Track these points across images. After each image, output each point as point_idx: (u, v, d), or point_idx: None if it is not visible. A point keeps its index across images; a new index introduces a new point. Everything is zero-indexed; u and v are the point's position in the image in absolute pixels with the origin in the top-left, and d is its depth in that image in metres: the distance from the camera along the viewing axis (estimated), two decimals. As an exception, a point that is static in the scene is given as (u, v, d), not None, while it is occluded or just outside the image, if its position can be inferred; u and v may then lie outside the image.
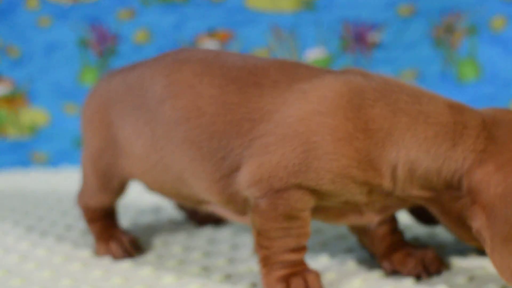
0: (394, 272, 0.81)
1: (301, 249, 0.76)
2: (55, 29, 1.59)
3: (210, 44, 1.55)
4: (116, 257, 0.93)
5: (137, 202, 1.21)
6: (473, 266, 0.82)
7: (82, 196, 0.99)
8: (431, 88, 1.49)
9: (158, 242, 1.01)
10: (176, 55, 0.88)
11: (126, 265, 0.90)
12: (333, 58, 1.55)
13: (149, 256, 0.94)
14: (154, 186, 0.91)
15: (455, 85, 1.56)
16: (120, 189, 0.96)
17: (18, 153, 1.64)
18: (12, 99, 1.62)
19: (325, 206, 0.77)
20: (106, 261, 0.93)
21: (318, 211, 0.77)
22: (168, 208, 1.18)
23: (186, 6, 1.54)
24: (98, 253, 0.95)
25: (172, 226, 1.09)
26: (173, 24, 1.56)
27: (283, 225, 0.74)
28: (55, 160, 1.63)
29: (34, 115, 1.63)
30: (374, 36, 1.54)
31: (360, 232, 0.85)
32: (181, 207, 1.11)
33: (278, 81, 0.77)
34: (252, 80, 0.77)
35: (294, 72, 0.78)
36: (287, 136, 0.72)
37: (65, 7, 1.57)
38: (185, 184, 0.84)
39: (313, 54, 1.55)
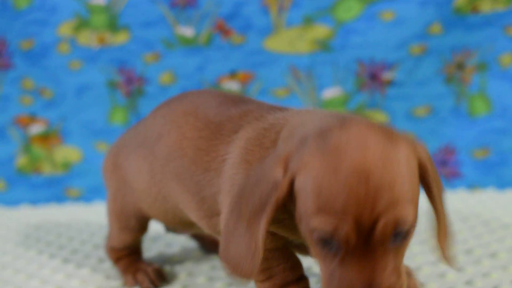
0: None
1: (300, 279, 0.77)
2: (85, 72, 1.67)
3: (231, 85, 1.63)
4: (143, 287, 1.00)
5: (163, 235, 1.28)
6: None
7: (108, 240, 1.08)
8: (445, 122, 1.57)
9: (183, 272, 1.07)
10: (180, 96, 0.97)
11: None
12: (349, 97, 1.61)
13: (175, 286, 1.01)
14: (160, 218, 0.99)
15: (467, 120, 1.62)
16: (140, 227, 1.04)
17: (52, 189, 1.72)
18: (47, 138, 1.71)
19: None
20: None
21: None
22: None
23: (208, 49, 1.61)
24: (126, 284, 1.02)
25: (197, 257, 1.15)
26: (196, 66, 1.63)
27: (264, 267, 0.75)
28: (88, 195, 1.71)
29: (67, 152, 1.72)
30: (388, 75, 1.60)
31: None
32: (194, 236, 1.18)
33: (229, 134, 0.82)
34: (218, 128, 0.82)
35: (243, 122, 0.82)
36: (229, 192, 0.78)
37: (94, 51, 1.65)
38: (184, 213, 0.91)
39: (330, 93, 1.62)
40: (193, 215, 0.88)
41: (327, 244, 0.60)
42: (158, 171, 0.92)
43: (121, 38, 1.64)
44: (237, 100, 0.88)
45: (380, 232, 0.59)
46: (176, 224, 0.99)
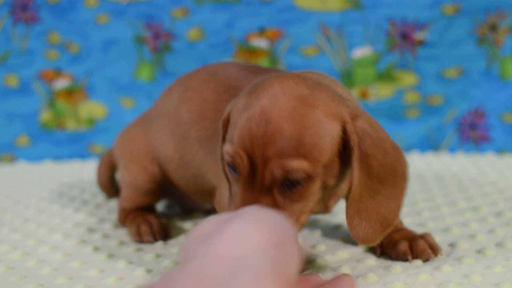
0: (383, 254, 0.85)
1: None
2: (112, 27, 1.65)
3: (260, 42, 1.61)
4: (143, 239, 0.98)
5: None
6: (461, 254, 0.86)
7: (120, 203, 1.09)
8: (476, 85, 1.55)
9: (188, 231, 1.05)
10: (196, 69, 1.03)
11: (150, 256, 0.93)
12: (379, 56, 1.59)
13: (175, 244, 0.98)
14: (183, 186, 1.01)
15: (498, 82, 1.60)
16: (155, 191, 1.07)
17: (76, 145, 1.71)
18: (71, 93, 1.70)
19: None
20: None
21: None
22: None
23: (237, 5, 1.59)
24: (130, 234, 1.00)
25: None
26: (225, 22, 1.61)
27: None
28: (112, 152, 1.69)
29: (92, 108, 1.70)
30: (419, 34, 1.58)
31: None
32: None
33: None
34: (238, 91, 0.86)
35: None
36: None
37: (122, 5, 1.63)
38: (205, 179, 0.94)
39: (360, 53, 1.60)
40: (214, 177, 0.90)
41: (232, 169, 0.69)
42: (180, 137, 0.96)
43: (149, -8, 1.63)
44: (255, 68, 0.93)
45: (268, 175, 0.66)
46: (196, 194, 1.01)
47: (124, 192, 1.07)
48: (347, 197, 0.71)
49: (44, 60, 1.68)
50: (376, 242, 0.72)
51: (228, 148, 0.68)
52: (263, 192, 0.67)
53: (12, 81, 1.69)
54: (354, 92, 1.59)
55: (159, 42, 1.64)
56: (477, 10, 1.56)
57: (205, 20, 1.61)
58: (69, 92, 1.69)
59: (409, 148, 1.63)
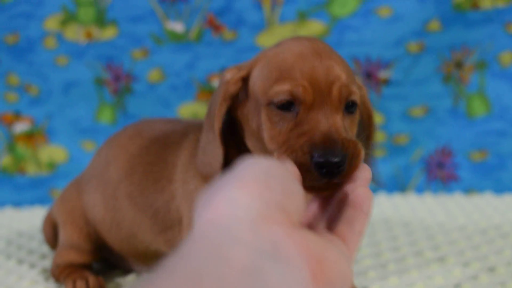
0: None
1: None
2: (72, 68, 1.61)
3: (223, 83, 1.57)
4: None
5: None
6: None
7: (54, 259, 1.06)
8: (442, 123, 1.52)
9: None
10: (122, 128, 1.05)
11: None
12: (343, 95, 1.56)
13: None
14: (118, 248, 1.01)
15: (465, 120, 1.57)
16: (91, 250, 1.05)
17: (37, 190, 1.67)
18: (31, 136, 1.66)
19: None
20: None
21: None
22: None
23: (198, 46, 1.56)
24: None
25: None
26: (186, 63, 1.58)
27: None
28: (73, 196, 1.65)
29: (53, 152, 1.67)
30: (384, 73, 1.55)
31: None
32: None
33: (177, 142, 0.91)
34: (165, 141, 0.90)
35: (187, 131, 0.92)
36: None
37: (81, 46, 1.60)
38: (138, 239, 0.95)
39: (324, 92, 1.56)
40: (149, 235, 0.91)
41: (286, 107, 0.69)
42: (110, 197, 0.97)
43: (109, 33, 1.59)
44: (179, 121, 0.97)
45: (336, 93, 0.67)
46: (131, 256, 1.01)
47: (61, 248, 1.06)
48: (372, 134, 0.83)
49: (3, 102, 1.65)
50: None
51: (283, 86, 0.68)
52: (335, 111, 0.67)
53: (-29, 124, 1.65)
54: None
55: (119, 84, 1.61)
56: (442, 48, 1.53)
57: (166, 61, 1.58)
58: (29, 136, 1.66)
59: (375, 189, 1.59)
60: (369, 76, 1.55)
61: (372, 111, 0.80)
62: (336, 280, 0.47)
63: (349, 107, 0.69)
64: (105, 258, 1.09)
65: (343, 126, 0.67)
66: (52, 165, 1.66)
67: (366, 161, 0.79)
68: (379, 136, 1.58)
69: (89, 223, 1.03)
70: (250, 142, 0.76)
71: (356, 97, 0.69)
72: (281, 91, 0.68)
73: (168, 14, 1.57)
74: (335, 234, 0.56)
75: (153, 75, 1.59)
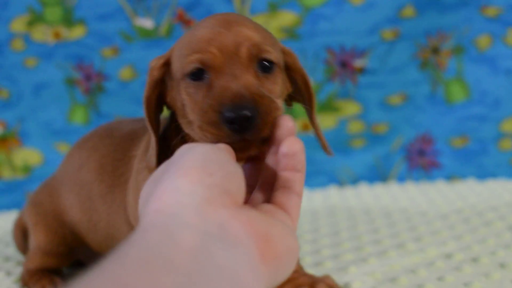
0: None
1: None
2: (42, 69, 1.58)
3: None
4: None
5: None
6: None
7: (25, 264, 1.05)
8: (421, 110, 1.50)
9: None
10: (91, 131, 1.05)
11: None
12: (319, 86, 1.53)
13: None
14: (97, 249, 0.99)
15: (444, 106, 1.54)
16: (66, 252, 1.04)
17: (13, 194, 1.64)
18: (5, 140, 1.62)
19: None
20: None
21: None
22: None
23: (170, 41, 1.53)
24: None
25: None
26: (158, 59, 1.54)
27: None
28: (49, 200, 1.62)
29: (27, 155, 1.63)
30: (359, 62, 1.52)
31: None
32: None
33: (140, 138, 0.90)
34: (132, 138, 0.91)
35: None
36: None
37: (50, 46, 1.57)
38: (115, 239, 0.93)
39: (299, 83, 1.53)
40: (125, 233, 0.89)
41: (199, 75, 0.68)
42: (86, 198, 0.95)
43: (77, 32, 1.56)
44: None
45: (244, 52, 0.66)
46: None
47: (31, 253, 1.03)
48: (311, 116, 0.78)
49: (-26, 107, 1.61)
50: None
51: (193, 56, 0.68)
52: (246, 70, 0.67)
53: None
54: (296, 125, 1.53)
55: (91, 83, 1.58)
56: (418, 34, 1.50)
57: (137, 58, 1.55)
58: (2, 140, 1.62)
59: (357, 180, 1.57)
60: (344, 65, 1.52)
61: (306, 76, 0.77)
62: (283, 255, 0.49)
63: (264, 66, 0.69)
64: (78, 261, 1.07)
65: (255, 83, 0.66)
66: (27, 169, 1.63)
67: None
68: (357, 126, 1.56)
69: (65, 226, 1.01)
70: (183, 124, 0.75)
71: (269, 56, 0.68)
72: (191, 60, 0.68)
73: (137, 10, 1.53)
74: (275, 204, 0.57)
75: (125, 73, 1.56)
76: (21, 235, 1.11)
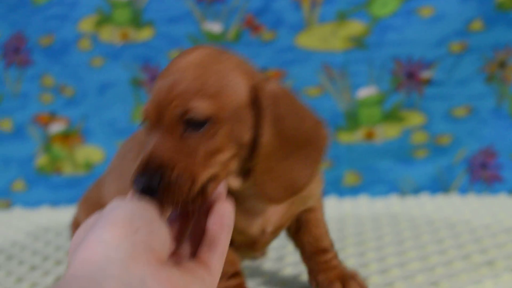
0: None
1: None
2: (108, 69, 1.60)
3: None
4: None
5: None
6: None
7: None
8: (485, 123, 1.50)
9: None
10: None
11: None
12: (385, 96, 1.54)
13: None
14: None
15: (509, 121, 1.54)
16: None
17: (73, 190, 1.66)
18: (67, 137, 1.65)
19: None
20: None
21: None
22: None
23: (237, 46, 1.53)
24: None
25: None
26: (225, 64, 1.55)
27: None
28: (110, 198, 1.64)
29: (89, 152, 1.65)
30: (426, 73, 1.52)
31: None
32: None
33: None
34: None
35: None
36: None
37: (117, 47, 1.58)
38: None
39: (365, 93, 1.54)
40: None
41: (145, 122, 0.69)
42: (122, 188, 0.95)
43: (145, 34, 1.57)
44: None
45: (169, 112, 0.65)
46: None
47: None
48: (256, 155, 0.70)
49: (39, 103, 1.63)
50: (281, 202, 0.73)
51: (144, 106, 0.69)
52: (168, 133, 0.66)
53: (7, 125, 1.64)
54: (360, 133, 1.54)
55: (156, 84, 1.58)
56: (485, 47, 1.50)
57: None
58: (65, 136, 1.64)
59: (418, 190, 1.57)
60: (411, 76, 1.52)
61: (264, 118, 0.70)
62: None
63: (192, 125, 0.66)
64: None
65: (173, 147, 0.65)
66: (88, 165, 1.65)
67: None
68: (421, 137, 1.56)
69: None
70: None
71: (195, 114, 0.65)
72: (142, 109, 0.70)
73: (206, 14, 1.54)
74: (198, 260, 0.60)
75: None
76: None
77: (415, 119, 1.55)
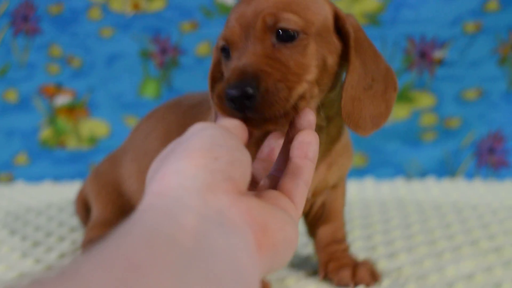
0: (327, 279, 0.88)
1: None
2: (117, 40, 1.58)
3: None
4: None
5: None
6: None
7: (85, 235, 1.05)
8: (496, 107, 1.49)
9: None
10: (162, 104, 1.07)
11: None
12: (396, 75, 1.52)
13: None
14: None
15: (519, 105, 1.53)
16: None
17: (77, 164, 1.63)
18: (73, 110, 1.62)
19: None
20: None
21: None
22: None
23: (249, 20, 1.52)
24: None
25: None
26: (236, 37, 1.54)
27: None
28: (114, 172, 1.62)
29: (94, 126, 1.63)
30: (438, 53, 1.52)
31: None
32: None
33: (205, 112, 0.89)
34: (200, 107, 0.90)
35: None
36: None
37: (127, 17, 1.57)
38: None
39: (377, 71, 1.53)
40: None
41: (227, 52, 0.68)
42: (145, 168, 0.95)
43: (156, 4, 1.56)
44: None
45: (259, 23, 0.64)
46: None
47: (92, 223, 1.04)
48: (344, 82, 0.70)
49: (45, 74, 1.61)
50: (368, 133, 0.73)
51: (221, 34, 0.69)
52: (259, 43, 0.65)
53: (12, 96, 1.62)
54: (315, 119, 1.53)
55: (166, 57, 1.57)
56: (499, 28, 1.50)
57: (215, 34, 1.51)
58: (70, 109, 1.62)
59: (424, 174, 1.56)
60: (423, 55, 1.52)
61: (350, 35, 0.71)
62: (280, 245, 0.50)
63: (284, 35, 0.66)
64: None
65: (263, 59, 0.64)
66: (93, 140, 1.63)
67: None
68: (430, 119, 1.54)
69: (123, 196, 1.02)
70: None
71: (287, 24, 0.65)
72: (219, 38, 0.69)
73: (219, -14, 1.53)
74: (281, 190, 0.57)
75: (202, 48, 1.56)
76: (83, 207, 1.11)
77: (425, 100, 1.54)
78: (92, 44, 1.58)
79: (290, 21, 0.65)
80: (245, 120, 0.60)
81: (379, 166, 1.57)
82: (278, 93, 0.61)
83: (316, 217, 0.90)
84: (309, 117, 0.62)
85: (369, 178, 1.55)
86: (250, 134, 0.61)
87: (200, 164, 0.48)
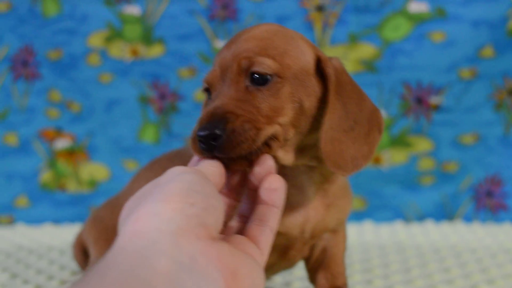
0: None
1: None
2: (116, 86, 1.59)
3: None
4: None
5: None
6: None
7: None
8: (493, 151, 1.49)
9: None
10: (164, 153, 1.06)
11: None
12: (393, 121, 1.53)
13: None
14: None
15: (517, 149, 1.54)
16: None
17: (77, 207, 1.64)
18: (72, 153, 1.63)
19: None
20: None
21: None
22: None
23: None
24: None
25: None
26: (234, 83, 1.55)
27: None
28: (114, 215, 1.62)
29: (94, 169, 1.64)
30: (435, 99, 1.52)
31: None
32: None
33: None
34: None
35: None
36: None
37: (126, 63, 1.58)
38: None
39: (374, 116, 1.53)
40: None
41: (209, 94, 0.71)
42: None
43: (155, 51, 1.57)
44: None
45: (235, 65, 0.67)
46: None
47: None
48: (323, 124, 0.70)
49: (45, 118, 1.62)
50: (348, 173, 0.72)
51: (203, 78, 0.71)
52: (233, 85, 0.67)
53: (12, 139, 1.63)
54: (275, 165, 1.53)
55: (164, 102, 1.58)
56: (495, 75, 1.50)
57: (213, 80, 1.55)
58: (70, 153, 1.63)
59: (423, 217, 1.56)
60: (420, 101, 1.52)
61: (330, 80, 0.71)
62: None
63: (257, 79, 0.67)
64: None
65: (238, 98, 0.66)
66: (92, 183, 1.64)
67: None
68: (428, 163, 1.55)
69: None
70: None
71: (261, 68, 0.67)
72: (203, 81, 0.71)
73: (217, 32, 1.54)
74: (248, 235, 0.59)
75: (200, 94, 1.57)
76: (82, 252, 1.11)
77: (423, 145, 1.55)
78: (92, 89, 1.60)
79: (264, 65, 0.67)
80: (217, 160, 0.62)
81: (378, 210, 1.58)
82: (245, 133, 0.63)
83: (317, 263, 0.89)
84: (267, 163, 0.63)
85: (368, 221, 1.56)
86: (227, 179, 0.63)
87: (177, 208, 0.50)
